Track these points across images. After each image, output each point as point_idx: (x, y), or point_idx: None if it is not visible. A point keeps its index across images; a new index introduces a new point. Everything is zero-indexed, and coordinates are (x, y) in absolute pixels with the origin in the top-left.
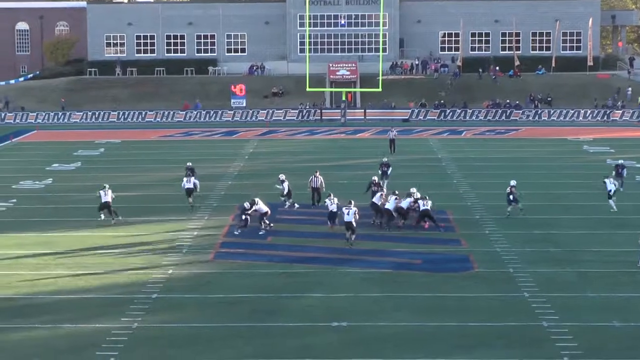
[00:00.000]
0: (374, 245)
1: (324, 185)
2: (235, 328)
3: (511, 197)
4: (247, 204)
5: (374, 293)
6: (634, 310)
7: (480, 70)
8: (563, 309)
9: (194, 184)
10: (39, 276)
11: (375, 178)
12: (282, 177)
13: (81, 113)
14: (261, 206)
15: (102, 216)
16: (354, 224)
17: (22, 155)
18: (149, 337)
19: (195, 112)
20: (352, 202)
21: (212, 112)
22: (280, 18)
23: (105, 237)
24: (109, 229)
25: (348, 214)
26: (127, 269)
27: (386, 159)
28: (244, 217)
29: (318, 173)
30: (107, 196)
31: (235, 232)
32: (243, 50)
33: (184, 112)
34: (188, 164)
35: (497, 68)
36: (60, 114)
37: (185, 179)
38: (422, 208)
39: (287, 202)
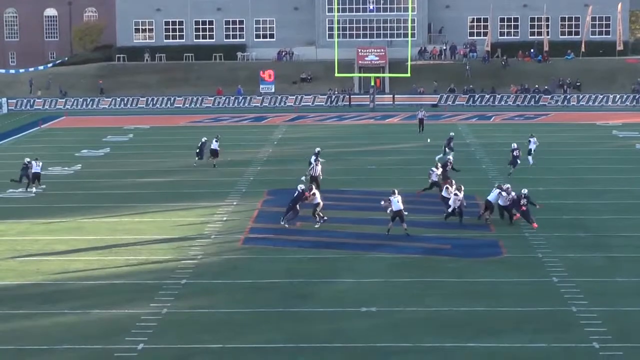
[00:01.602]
0: (401, 230)
1: (321, 175)
2: (265, 313)
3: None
4: (301, 187)
5: (404, 278)
6: None
7: (505, 56)
8: (592, 294)
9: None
10: (69, 262)
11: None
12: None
13: (110, 99)
14: (317, 196)
15: (34, 188)
16: (403, 212)
17: (51, 141)
18: (179, 322)
19: (224, 98)
20: (396, 190)
21: (240, 98)
22: (309, 3)
23: (134, 223)
24: (139, 215)
25: (398, 202)
26: (156, 254)
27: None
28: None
29: (318, 160)
30: (39, 167)
31: (285, 225)
32: (272, 36)
33: (213, 98)
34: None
35: (529, 52)
36: (89, 99)
37: (214, 140)
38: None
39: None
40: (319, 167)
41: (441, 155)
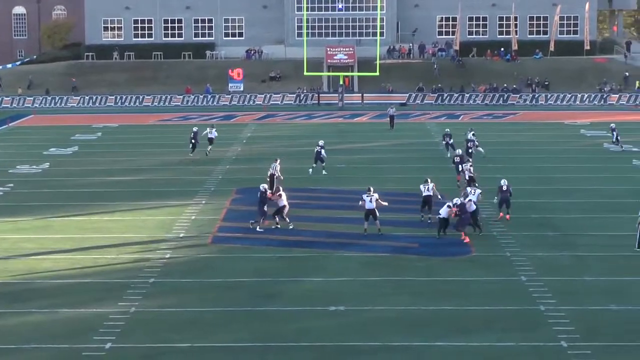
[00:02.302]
0: (371, 229)
1: (281, 176)
2: (233, 312)
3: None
4: (263, 186)
5: (372, 277)
6: (631, 294)
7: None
8: (560, 293)
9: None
10: (37, 261)
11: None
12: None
13: (78, 97)
14: (282, 198)
15: None
16: (376, 211)
17: (19, 139)
18: (147, 321)
19: (193, 97)
20: (372, 188)
21: (209, 97)
22: (278, 2)
23: (103, 222)
24: (107, 214)
25: (370, 201)
26: (125, 253)
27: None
28: (265, 208)
29: (278, 161)
30: None
31: (258, 229)
32: (241, 35)
33: (182, 97)
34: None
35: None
36: (57, 98)
37: (209, 129)
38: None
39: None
40: (278, 168)
41: (452, 151)
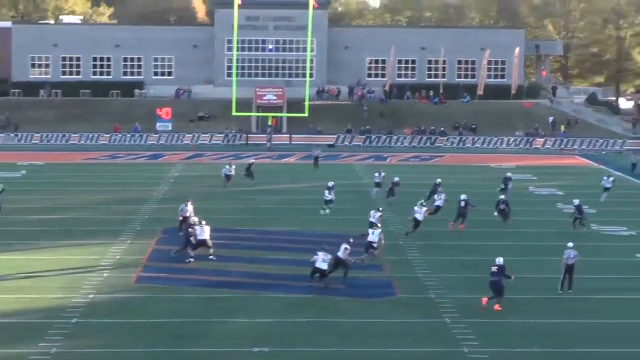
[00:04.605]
0: (296, 270)
1: (193, 214)
2: (157, 353)
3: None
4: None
5: (297, 318)
6: (554, 336)
7: (408, 96)
8: (484, 334)
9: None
10: None
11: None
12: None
13: (3, 135)
14: (204, 232)
15: None
16: (325, 271)
17: None
18: None
19: (121, 135)
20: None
21: (137, 136)
22: (208, 42)
23: (26, 261)
24: (30, 252)
25: (323, 260)
26: (47, 293)
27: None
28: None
29: (190, 202)
30: None
31: (189, 260)
32: (170, 74)
33: (109, 135)
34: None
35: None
36: None
37: (227, 167)
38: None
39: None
40: (190, 208)
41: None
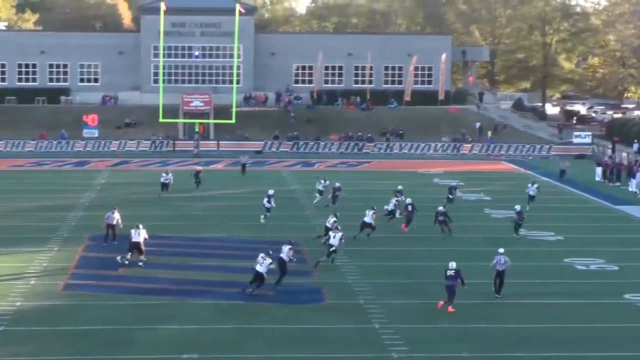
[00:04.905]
0: (224, 277)
1: (120, 222)
2: None
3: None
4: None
5: (226, 324)
6: (483, 340)
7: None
8: (413, 340)
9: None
10: None
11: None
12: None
13: None
14: (139, 235)
15: None
16: (264, 276)
17: None
18: None
19: (47, 142)
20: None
21: (63, 142)
22: (134, 48)
23: None
24: None
25: (262, 264)
26: None
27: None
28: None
29: (116, 210)
30: None
31: (124, 261)
32: (96, 80)
33: (35, 142)
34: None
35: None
36: None
37: (164, 174)
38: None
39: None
40: (117, 215)
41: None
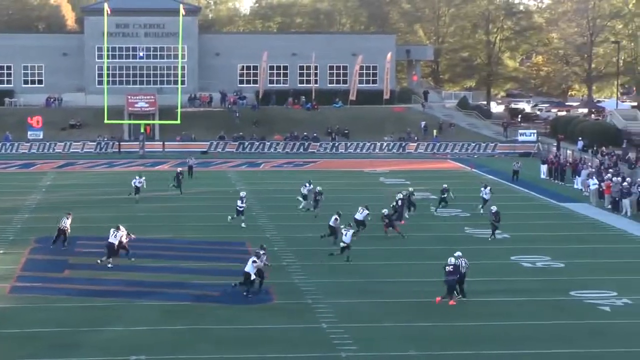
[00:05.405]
0: (172, 278)
1: (69, 229)
2: None
3: None
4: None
5: (174, 326)
6: (430, 339)
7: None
8: (361, 339)
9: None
10: None
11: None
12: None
13: None
14: (115, 237)
15: None
16: (252, 275)
17: None
18: None
19: None
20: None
21: (8, 145)
22: (78, 49)
23: None
24: None
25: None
26: None
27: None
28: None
29: (70, 215)
30: None
31: (109, 265)
32: (40, 82)
33: None
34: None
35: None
36: None
37: (137, 177)
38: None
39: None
40: (68, 221)
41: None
